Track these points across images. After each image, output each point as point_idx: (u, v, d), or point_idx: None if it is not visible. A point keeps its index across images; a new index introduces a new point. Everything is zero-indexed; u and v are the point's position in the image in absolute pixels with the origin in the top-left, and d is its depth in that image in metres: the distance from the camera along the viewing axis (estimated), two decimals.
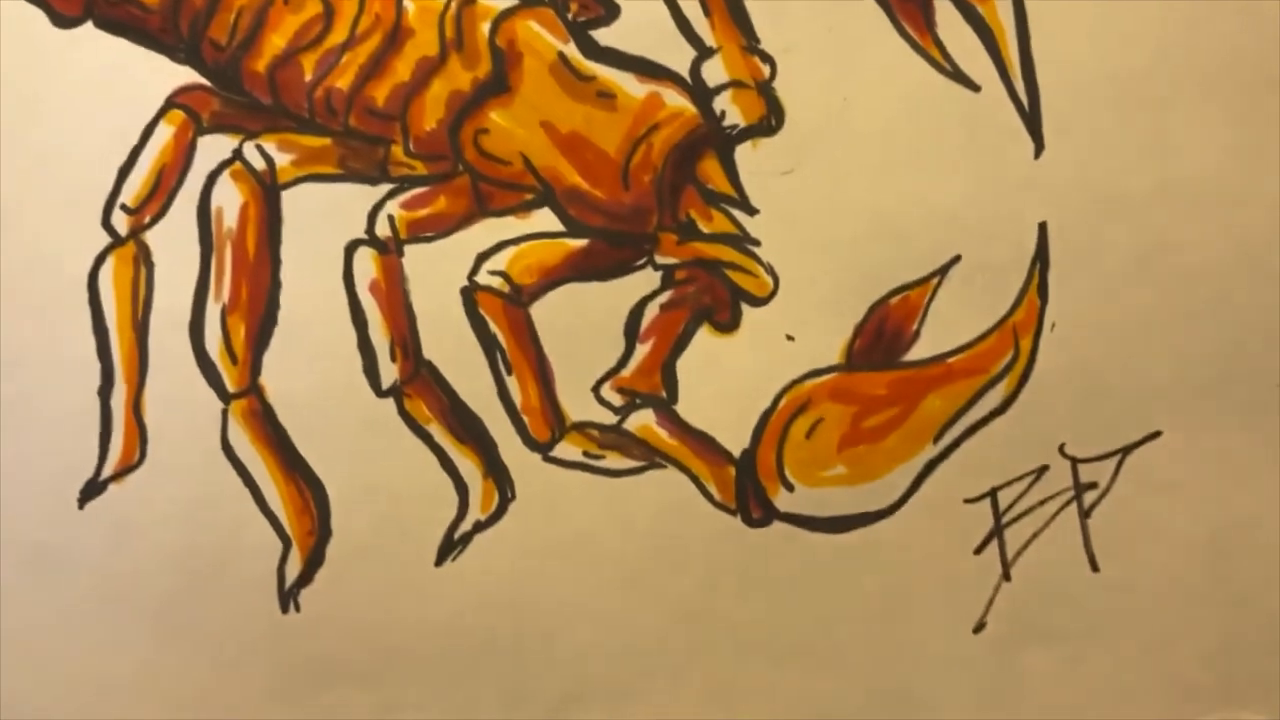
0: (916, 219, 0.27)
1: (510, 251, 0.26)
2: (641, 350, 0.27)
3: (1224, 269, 0.27)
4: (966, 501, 0.27)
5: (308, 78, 0.26)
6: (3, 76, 0.26)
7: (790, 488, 0.27)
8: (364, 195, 0.26)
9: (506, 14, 0.26)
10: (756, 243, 0.26)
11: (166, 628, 0.27)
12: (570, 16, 0.26)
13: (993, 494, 0.27)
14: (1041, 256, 0.27)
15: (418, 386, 0.26)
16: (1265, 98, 0.27)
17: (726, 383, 0.27)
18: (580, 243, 0.26)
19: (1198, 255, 0.27)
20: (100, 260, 0.26)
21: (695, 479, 0.27)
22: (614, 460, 0.27)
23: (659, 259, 0.26)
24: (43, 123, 0.26)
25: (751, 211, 0.26)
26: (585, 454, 0.27)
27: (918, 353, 0.27)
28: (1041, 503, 0.27)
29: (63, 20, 0.26)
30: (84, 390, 0.26)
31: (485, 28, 0.26)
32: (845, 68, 0.26)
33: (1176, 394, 0.27)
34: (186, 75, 0.26)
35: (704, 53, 0.26)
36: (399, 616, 0.27)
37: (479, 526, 0.27)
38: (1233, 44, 0.26)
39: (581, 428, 0.27)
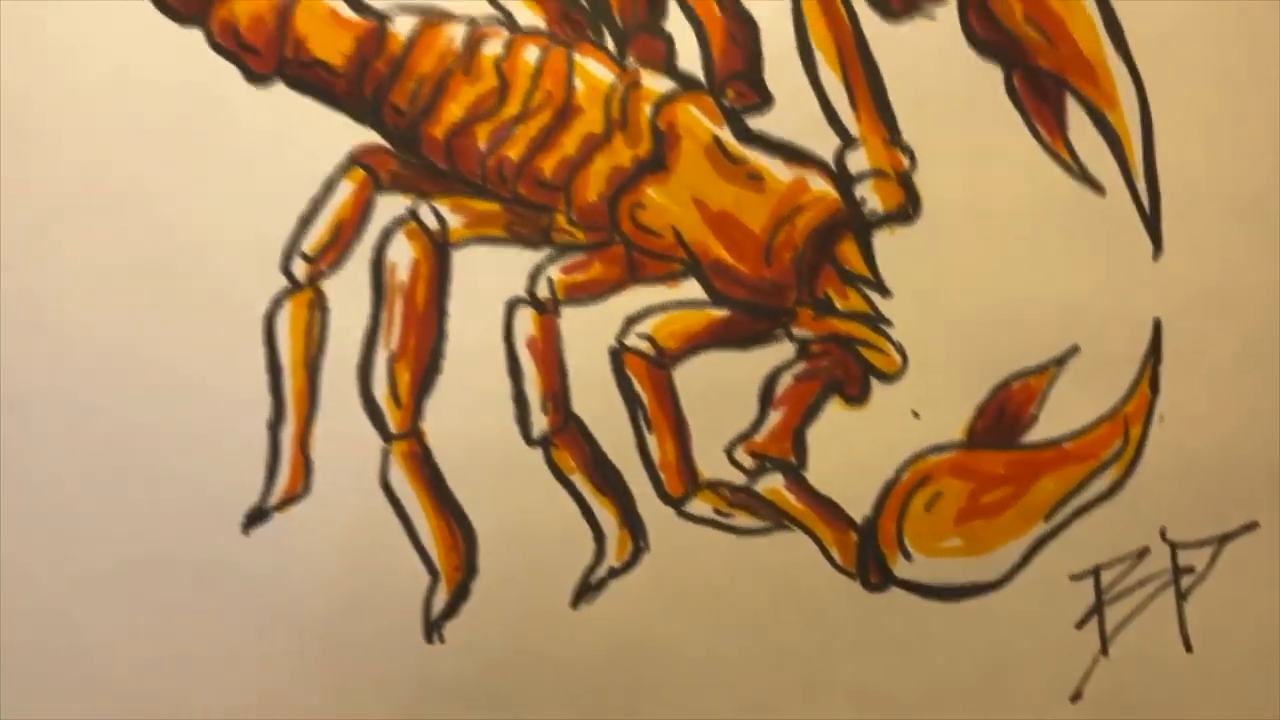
0: (1040, 309, 0.28)
1: (657, 317, 0.28)
2: (774, 417, 0.28)
3: None
4: (1071, 578, 0.29)
5: (482, 146, 0.28)
6: (197, 125, 0.28)
7: (908, 556, 0.28)
8: (526, 258, 0.28)
9: (668, 98, 0.28)
10: (888, 322, 0.28)
11: (319, 648, 0.28)
12: (726, 103, 0.28)
13: (1096, 572, 0.29)
14: (1155, 351, 0.29)
15: (565, 438, 0.28)
16: None
17: (853, 453, 0.28)
18: (723, 313, 0.28)
19: None
20: (278, 303, 0.28)
21: (818, 542, 0.29)
22: (742, 519, 0.28)
23: (796, 332, 0.28)
24: (232, 170, 0.28)
25: (885, 293, 0.28)
26: (716, 511, 0.29)
27: (1034, 435, 0.29)
28: (1141, 583, 0.29)
29: (255, 77, 0.28)
30: (255, 422, 0.28)
31: (648, 110, 0.28)
32: (980, 163, 0.28)
33: (1276, 487, 0.29)
34: (368, 136, 0.28)
35: (849, 142, 0.28)
36: (534, 652, 0.28)
37: (613, 573, 0.29)
38: None
39: (714, 486, 0.29)
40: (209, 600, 0.28)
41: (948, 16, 0.28)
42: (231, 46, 0.28)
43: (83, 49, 0.28)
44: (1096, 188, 0.28)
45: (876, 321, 0.28)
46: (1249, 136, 0.28)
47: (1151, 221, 0.28)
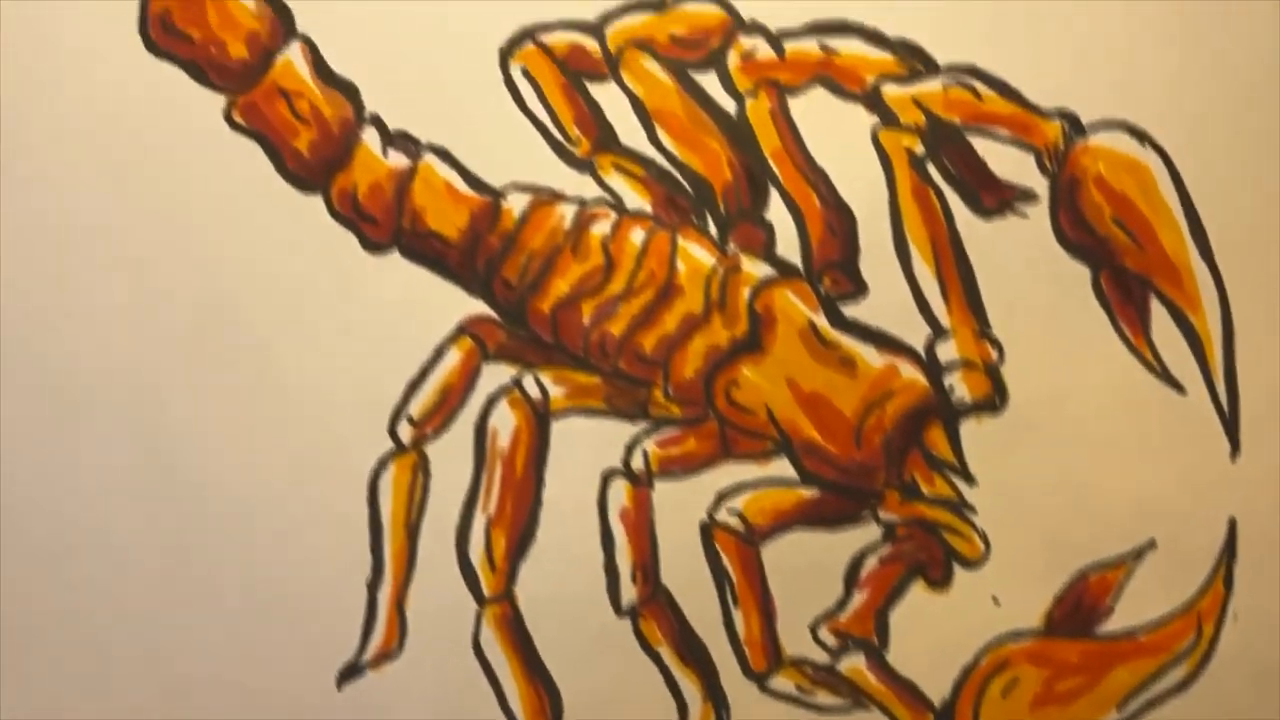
0: (1119, 503, 0.29)
1: (748, 494, 0.29)
2: (858, 597, 0.29)
3: None
4: None
5: (586, 321, 0.29)
6: (314, 289, 0.29)
7: None
8: (623, 430, 0.29)
9: (766, 283, 0.29)
10: (972, 509, 0.29)
11: None
12: (823, 290, 0.29)
13: None
14: (1230, 550, 0.29)
15: (653, 609, 0.29)
16: None
17: (934, 636, 0.29)
18: (812, 492, 0.29)
19: None
20: (384, 464, 0.29)
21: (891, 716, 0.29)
22: (824, 697, 0.29)
23: (882, 514, 0.29)
24: (345, 334, 0.29)
25: (971, 480, 0.29)
26: (798, 688, 0.29)
27: (1109, 626, 0.29)
28: None
29: (372, 246, 0.29)
30: (354, 580, 0.29)
31: (746, 293, 0.29)
32: (1066, 359, 0.29)
33: None
34: (478, 307, 0.29)
35: (939, 333, 0.29)
36: None
37: None
38: None
39: (797, 664, 0.29)
40: None
41: (1038, 215, 0.29)
42: (350, 215, 0.30)
43: (210, 216, 0.29)
44: (1178, 387, 0.29)
45: (961, 508, 0.29)
46: None
47: (1230, 423, 0.29)
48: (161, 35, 0.30)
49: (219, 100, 0.30)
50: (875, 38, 0.29)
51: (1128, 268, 0.30)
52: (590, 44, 0.30)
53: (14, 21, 0.29)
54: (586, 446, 0.29)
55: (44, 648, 0.30)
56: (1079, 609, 0.29)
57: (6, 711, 0.30)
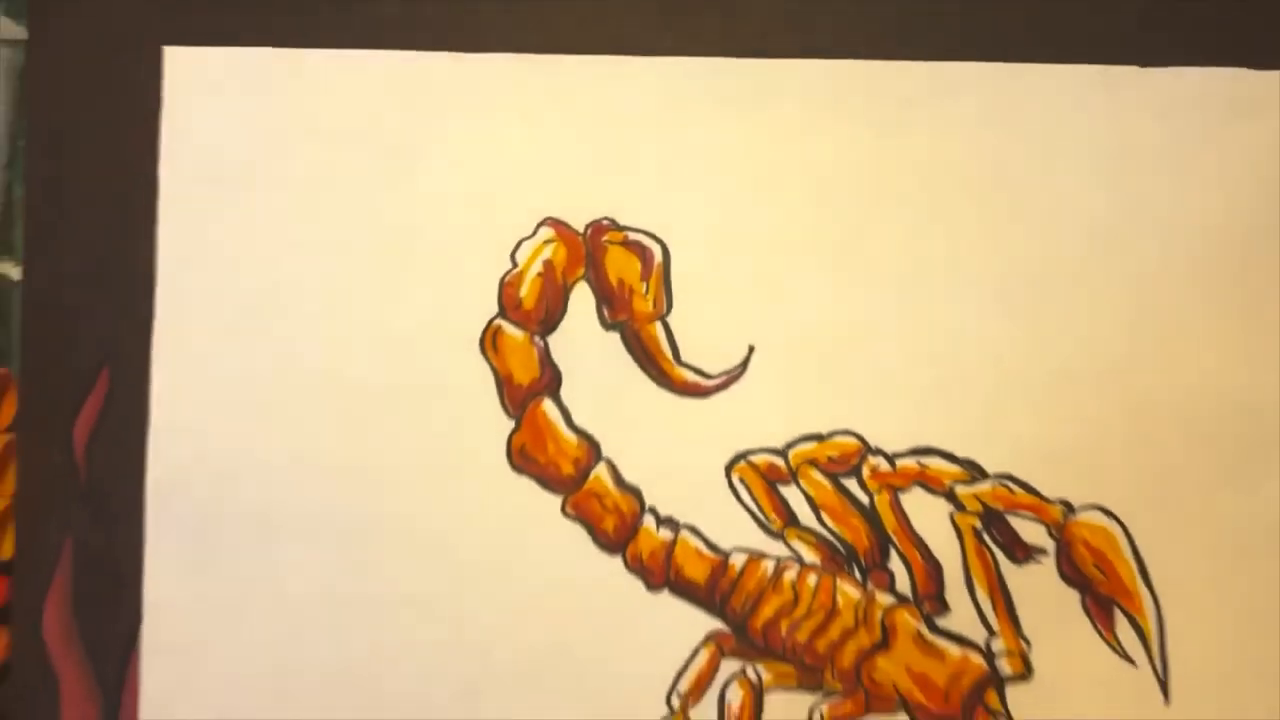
0: None
1: None
2: None
3: None
4: None
5: (783, 633, 0.48)
6: (615, 618, 0.48)
7: None
8: (807, 699, 0.48)
9: (891, 608, 0.48)
10: (1013, 718, 0.48)
11: None
12: (924, 611, 0.48)
13: None
14: None
15: None
16: None
17: None
18: None
19: None
20: None
21: None
22: None
23: None
24: (637, 645, 0.48)
25: None
26: None
27: None
28: None
29: (652, 589, 0.48)
30: None
31: (879, 614, 0.48)
32: (1065, 650, 0.48)
33: None
34: (717, 624, 0.48)
35: (991, 634, 0.48)
36: None
37: None
38: None
39: None
40: None
41: (1049, 563, 0.49)
42: (637, 569, 0.48)
43: (553, 573, 0.48)
44: (1130, 661, 0.49)
45: None
46: (1239, 622, 0.49)
47: (1163, 683, 0.48)
48: (520, 459, 0.48)
49: (556, 499, 0.48)
50: (949, 457, 0.48)
51: (1102, 593, 0.49)
52: (779, 462, 0.49)
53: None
54: (786, 710, 0.48)
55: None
56: None
57: None
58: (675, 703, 0.47)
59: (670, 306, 0.47)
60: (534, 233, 0.48)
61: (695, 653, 0.46)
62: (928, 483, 0.47)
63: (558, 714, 0.45)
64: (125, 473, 0.46)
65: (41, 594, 0.46)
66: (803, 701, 0.47)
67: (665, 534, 0.46)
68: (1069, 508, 0.46)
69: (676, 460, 0.47)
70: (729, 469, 0.47)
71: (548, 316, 0.47)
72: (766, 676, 0.48)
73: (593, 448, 0.47)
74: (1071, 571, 0.47)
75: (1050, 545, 0.47)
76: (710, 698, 0.47)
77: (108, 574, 0.46)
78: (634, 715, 0.47)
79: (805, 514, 0.47)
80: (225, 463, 0.46)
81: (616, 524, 0.46)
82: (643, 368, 0.47)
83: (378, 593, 0.46)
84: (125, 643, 0.46)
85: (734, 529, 0.47)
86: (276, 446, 0.46)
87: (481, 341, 0.47)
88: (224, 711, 0.46)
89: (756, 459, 0.47)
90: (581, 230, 0.48)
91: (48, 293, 0.47)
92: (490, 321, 0.47)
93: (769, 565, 0.47)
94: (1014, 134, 0.48)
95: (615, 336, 0.47)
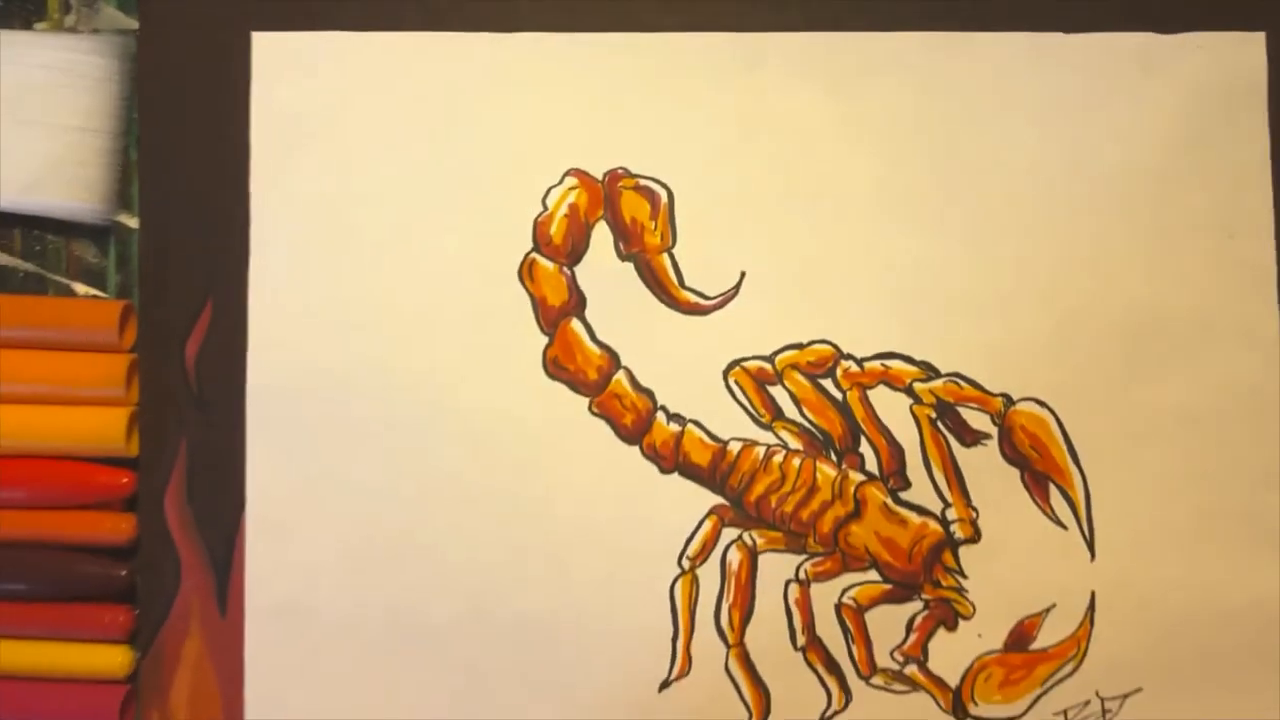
0: (1050, 565, 0.57)
1: (857, 587, 0.57)
2: (913, 636, 0.54)
3: None
4: (1053, 714, 0.58)
5: (773, 505, 0.57)
6: (630, 497, 0.58)
7: (975, 705, 0.57)
8: (793, 559, 0.58)
9: (862, 483, 0.57)
10: (966, 591, 0.58)
11: None
12: (890, 485, 0.58)
13: (1065, 711, 0.58)
14: (1091, 606, 0.59)
15: (814, 648, 0.58)
16: None
17: (949, 654, 0.57)
18: (888, 586, 0.58)
19: None
20: (675, 581, 0.55)
21: (934, 698, 0.58)
22: (897, 687, 0.58)
23: (924, 596, 0.56)
24: (651, 514, 0.57)
25: (964, 577, 0.57)
26: (885, 683, 0.57)
27: (1036, 645, 0.58)
28: (1085, 715, 0.59)
29: (664, 471, 0.57)
30: (664, 635, 0.57)
31: (852, 488, 0.58)
32: (1008, 516, 0.57)
33: (1156, 661, 0.59)
34: (718, 500, 0.58)
35: (946, 505, 0.58)
36: None
37: None
38: None
39: (884, 670, 0.54)
40: None
41: (992, 445, 0.58)
42: (652, 455, 0.57)
43: (580, 461, 0.58)
44: (1063, 526, 0.58)
45: (961, 591, 0.57)
46: (1152, 492, 0.59)
47: (1090, 543, 0.57)
48: (553, 368, 0.58)
49: (584, 400, 0.58)
50: (908, 360, 0.56)
51: (1038, 470, 0.58)
52: (767, 366, 0.58)
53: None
54: (775, 568, 0.58)
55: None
56: (1020, 638, 0.56)
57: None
58: (685, 564, 0.53)
59: (675, 240, 0.55)
60: (560, 181, 0.55)
61: (700, 523, 0.54)
62: (891, 381, 0.54)
63: (590, 573, 0.54)
64: (228, 383, 0.56)
65: (163, 484, 0.55)
66: (790, 561, 0.54)
67: (674, 427, 0.54)
68: (1009, 399, 0.53)
69: (682, 367, 0.54)
70: (725, 373, 0.54)
71: (574, 250, 0.55)
72: (760, 541, 0.54)
73: (613, 358, 0.54)
74: (1011, 452, 0.54)
75: (993, 431, 0.54)
76: (714, 560, 0.54)
77: (216, 467, 0.55)
78: (651, 574, 0.55)
79: (789, 408, 0.54)
80: (312, 372, 0.55)
81: (634, 419, 0.54)
82: (653, 291, 0.55)
83: (438, 478, 0.55)
84: (231, 524, 0.55)
85: (730, 422, 0.54)
86: (353, 358, 0.55)
87: (519, 271, 0.55)
88: (313, 578, 0.55)
89: (748, 364, 0.54)
90: (600, 178, 0.55)
91: (160, 238, 0.56)
92: (526, 255, 0.55)
93: (760, 450, 0.54)
94: (958, 92, 0.57)
95: (630, 266, 0.55)
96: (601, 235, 0.54)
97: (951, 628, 0.54)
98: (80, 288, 0.54)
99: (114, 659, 0.52)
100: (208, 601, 0.51)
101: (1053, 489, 0.54)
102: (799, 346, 0.54)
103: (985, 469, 0.54)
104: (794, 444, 0.54)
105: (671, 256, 0.54)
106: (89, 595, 0.52)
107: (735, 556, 0.54)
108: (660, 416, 0.53)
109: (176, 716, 0.53)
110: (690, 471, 0.54)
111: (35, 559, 0.52)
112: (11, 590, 0.51)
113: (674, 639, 0.53)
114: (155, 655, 0.51)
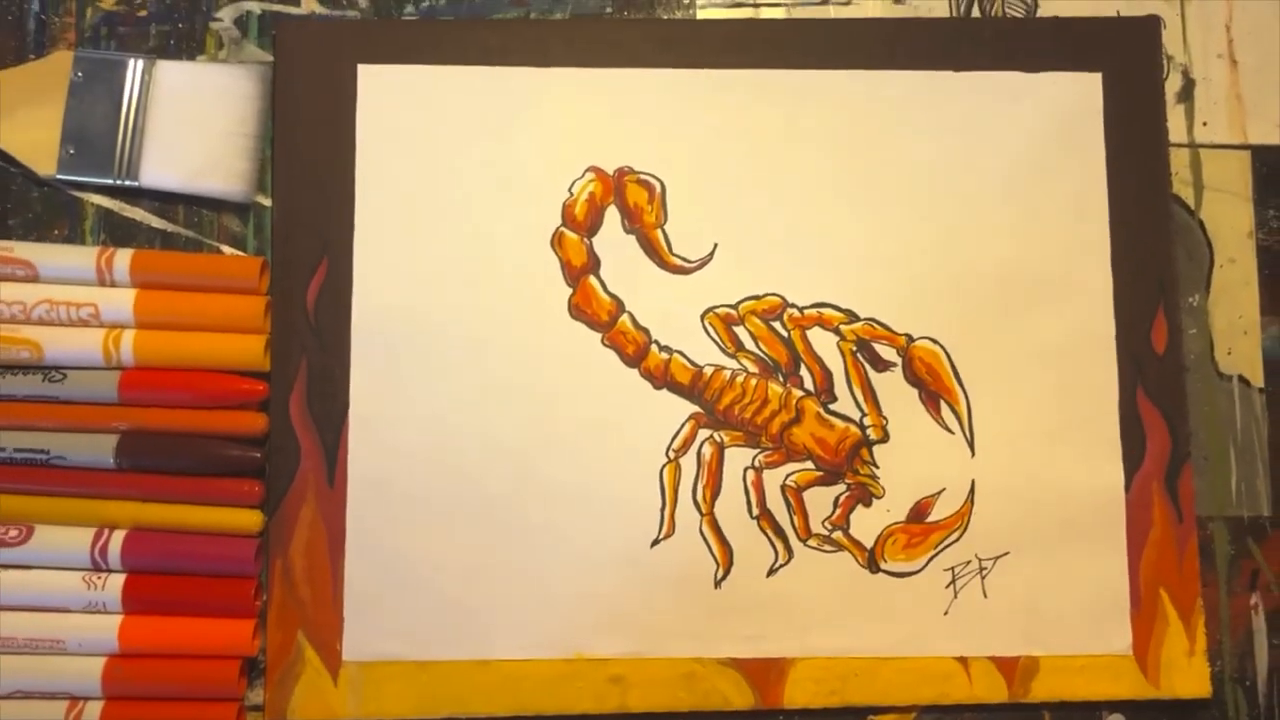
0: (930, 434, 0.77)
1: (798, 472, 0.77)
2: (839, 510, 0.74)
3: None
4: (944, 570, 0.75)
5: (736, 413, 0.67)
6: (627, 412, 0.77)
7: (885, 561, 0.69)
8: (749, 452, 0.77)
9: (801, 398, 0.77)
10: (878, 475, 0.77)
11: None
12: (821, 399, 0.77)
13: (953, 569, 0.75)
14: (972, 492, 0.78)
15: (765, 517, 0.78)
16: None
17: (866, 525, 0.76)
18: (820, 472, 0.77)
19: None
20: (663, 468, 0.69)
21: (854, 556, 0.77)
22: (826, 548, 0.77)
23: (847, 480, 0.69)
24: (640, 417, 0.77)
25: (877, 468, 0.77)
26: (818, 544, 0.77)
27: (931, 518, 0.76)
28: (968, 573, 0.77)
29: (656, 387, 0.77)
30: (654, 504, 0.76)
31: (794, 401, 0.77)
32: (907, 425, 0.74)
33: (1024, 529, 0.78)
34: (694, 408, 0.74)
35: (863, 414, 0.78)
36: None
37: None
38: None
39: (817, 534, 0.74)
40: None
41: (897, 372, 0.74)
42: (647, 375, 0.67)
43: (587, 382, 0.78)
44: (950, 431, 0.77)
45: (874, 477, 0.69)
46: (1020, 407, 0.78)
47: (970, 442, 0.71)
48: (575, 312, 0.71)
49: (596, 335, 0.72)
50: (836, 308, 0.69)
51: (931, 389, 0.68)
52: (733, 312, 0.70)
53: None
54: (738, 459, 0.71)
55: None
56: (919, 513, 0.65)
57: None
58: (671, 455, 0.65)
59: (666, 219, 0.68)
60: (582, 175, 0.68)
61: (682, 426, 0.66)
62: (823, 323, 0.67)
63: (601, 460, 0.68)
64: (337, 319, 0.65)
65: (288, 391, 0.65)
66: (748, 454, 0.66)
67: (664, 355, 0.66)
68: (910, 337, 0.66)
69: (670, 311, 0.67)
70: (703, 317, 0.67)
71: (592, 226, 0.68)
72: (726, 439, 0.66)
73: (619, 304, 0.66)
74: (912, 377, 0.67)
75: (899, 361, 0.67)
76: (692, 452, 0.67)
77: (328, 379, 0.65)
78: (646, 462, 0.68)
79: (749, 343, 0.67)
80: (399, 311, 0.71)
81: (634, 349, 0.66)
82: (650, 257, 0.68)
83: (491, 389, 0.67)
84: (338, 420, 0.65)
85: (705, 352, 0.67)
86: (432, 301, 0.70)
87: (551, 241, 0.68)
88: (398, 460, 0.67)
89: (719, 311, 0.66)
90: (611, 173, 0.68)
91: (288, 213, 0.70)
92: (556, 229, 0.68)
93: (727, 373, 0.66)
94: (876, 113, 0.74)
95: (633, 238, 0.68)
96: (612, 215, 0.67)
97: (867, 505, 0.67)
98: (227, 249, 0.67)
99: (249, 520, 0.63)
100: (320, 477, 0.64)
101: (943, 405, 0.66)
102: (756, 298, 0.67)
103: (893, 389, 0.67)
104: (752, 369, 0.66)
105: (664, 232, 0.67)
106: (232, 472, 0.62)
107: (708, 450, 0.66)
108: (654, 348, 0.66)
109: (295, 562, 0.65)
110: (675, 388, 0.66)
111: (194, 444, 0.62)
112: (176, 466, 0.63)
113: (662, 509, 0.66)
114: (279, 517, 0.64)
